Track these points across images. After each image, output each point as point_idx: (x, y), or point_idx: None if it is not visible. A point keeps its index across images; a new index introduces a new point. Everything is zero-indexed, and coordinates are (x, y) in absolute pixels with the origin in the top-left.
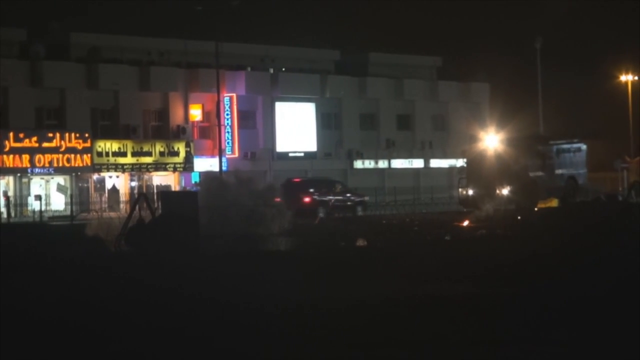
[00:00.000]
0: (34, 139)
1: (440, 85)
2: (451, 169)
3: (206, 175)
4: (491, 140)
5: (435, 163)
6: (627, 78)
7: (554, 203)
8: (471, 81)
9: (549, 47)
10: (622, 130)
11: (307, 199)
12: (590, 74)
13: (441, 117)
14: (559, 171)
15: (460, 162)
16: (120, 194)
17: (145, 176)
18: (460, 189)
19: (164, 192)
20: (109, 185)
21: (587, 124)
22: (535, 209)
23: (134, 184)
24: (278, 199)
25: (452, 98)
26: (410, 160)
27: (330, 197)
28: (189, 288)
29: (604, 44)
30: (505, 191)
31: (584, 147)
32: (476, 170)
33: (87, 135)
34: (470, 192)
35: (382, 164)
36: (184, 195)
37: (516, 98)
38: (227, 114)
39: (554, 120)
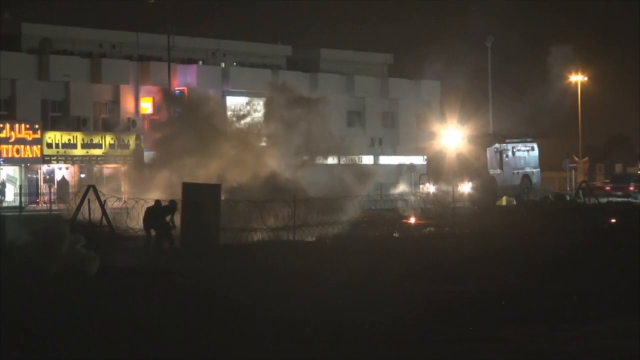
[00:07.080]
0: None
1: (390, 82)
2: (400, 166)
3: None
4: (451, 137)
5: (384, 160)
6: (576, 78)
7: (504, 201)
8: (422, 79)
9: (501, 46)
10: (571, 131)
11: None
12: (539, 73)
13: (391, 114)
14: (515, 170)
15: (410, 160)
16: (69, 186)
17: (95, 168)
18: (421, 186)
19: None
20: (58, 176)
21: (537, 124)
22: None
23: (83, 175)
24: None
25: (402, 95)
26: (359, 156)
27: None
28: None
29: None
30: (466, 188)
31: (536, 146)
32: (437, 168)
33: (37, 126)
34: (432, 189)
35: (332, 160)
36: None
37: (467, 96)
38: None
39: (504, 119)
